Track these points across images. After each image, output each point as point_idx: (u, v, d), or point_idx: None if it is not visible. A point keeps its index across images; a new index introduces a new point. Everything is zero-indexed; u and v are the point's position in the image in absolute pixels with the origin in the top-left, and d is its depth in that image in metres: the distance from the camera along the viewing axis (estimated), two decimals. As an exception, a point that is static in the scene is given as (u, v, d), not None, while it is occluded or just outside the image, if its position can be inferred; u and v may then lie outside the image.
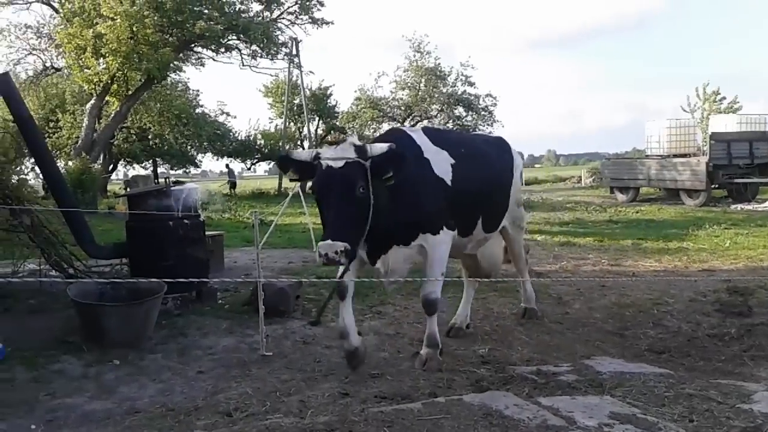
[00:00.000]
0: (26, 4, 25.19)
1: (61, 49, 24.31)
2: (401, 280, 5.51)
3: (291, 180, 5.09)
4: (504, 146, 6.59)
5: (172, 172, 37.21)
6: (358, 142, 4.70)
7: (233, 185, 35.61)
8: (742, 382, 4.58)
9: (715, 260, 11.07)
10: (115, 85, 23.36)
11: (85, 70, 22.71)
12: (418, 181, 5.05)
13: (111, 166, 33.93)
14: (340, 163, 4.53)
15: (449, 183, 5.28)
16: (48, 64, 27.52)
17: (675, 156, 23.96)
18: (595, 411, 3.70)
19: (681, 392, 4.09)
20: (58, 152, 28.12)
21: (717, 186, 22.58)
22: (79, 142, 24.45)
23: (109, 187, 30.74)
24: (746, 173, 22.14)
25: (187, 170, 38.74)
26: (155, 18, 21.22)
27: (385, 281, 5.36)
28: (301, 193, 12.48)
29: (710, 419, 3.62)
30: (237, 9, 24.03)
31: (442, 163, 5.29)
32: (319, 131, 36.49)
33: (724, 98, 40.80)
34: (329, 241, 4.28)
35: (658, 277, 9.39)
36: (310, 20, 25.68)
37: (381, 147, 4.65)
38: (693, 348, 6.12)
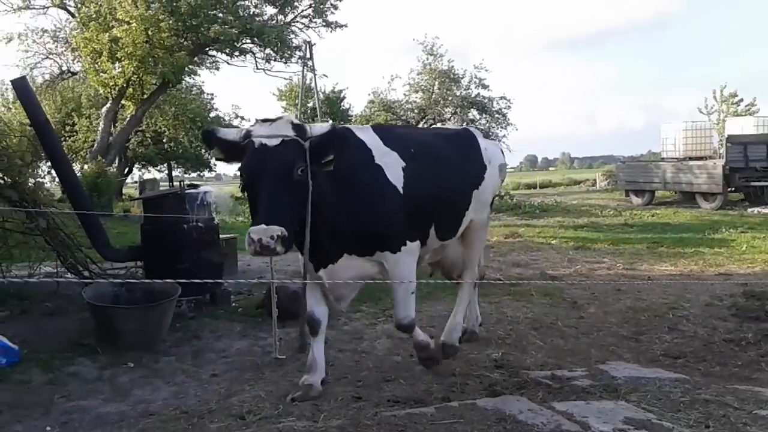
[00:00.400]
0: (43, 8, 25.39)
1: (77, 53, 24.50)
2: (352, 298, 5.14)
3: (217, 160, 4.53)
4: (468, 140, 5.73)
5: (186, 175, 37.44)
6: (295, 120, 4.16)
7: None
8: (759, 388, 4.52)
9: (732, 264, 10.97)
10: (130, 89, 23.51)
11: (101, 74, 22.88)
12: (372, 191, 4.58)
13: (126, 170, 34.18)
14: (276, 141, 3.96)
15: (401, 190, 4.70)
16: (64, 68, 27.72)
17: (691, 159, 23.79)
18: (609, 416, 3.67)
19: (697, 398, 4.05)
20: (74, 156, 28.39)
21: (733, 189, 22.37)
22: (95, 145, 24.64)
23: (124, 191, 30.96)
24: (763, 176, 21.91)
25: (202, 173, 38.94)
26: (170, 22, 21.33)
27: (332, 299, 4.80)
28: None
29: (727, 425, 3.58)
30: (251, 13, 24.11)
31: (393, 167, 4.73)
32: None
33: (742, 100, 40.52)
34: (263, 226, 3.72)
35: (673, 281, 9.31)
36: (323, 24, 25.70)
37: (321, 127, 4.15)
38: (709, 353, 6.05)
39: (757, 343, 6.17)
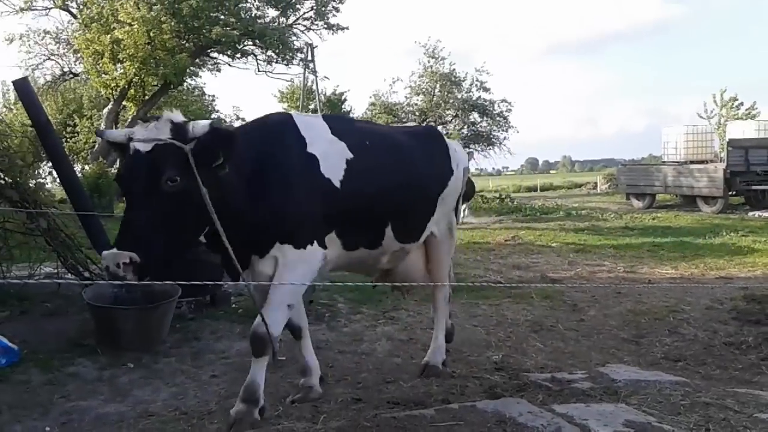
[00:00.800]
0: (45, 10, 25.44)
1: (79, 55, 24.56)
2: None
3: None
4: (434, 137, 5.30)
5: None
6: (178, 119, 3.61)
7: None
8: (759, 391, 4.52)
9: (732, 268, 10.97)
10: (132, 90, 23.55)
11: (103, 76, 22.93)
12: (289, 181, 4.02)
13: (127, 171, 34.13)
14: (149, 146, 3.47)
15: (337, 184, 4.17)
16: (66, 70, 27.78)
17: (692, 162, 23.84)
18: (609, 419, 3.66)
19: (697, 401, 4.05)
20: (75, 157, 28.44)
21: (734, 193, 22.41)
22: (96, 146, 24.66)
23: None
24: (764, 180, 21.90)
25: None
26: (172, 24, 21.36)
27: (258, 303, 4.15)
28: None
29: (727, 428, 3.57)
30: (253, 15, 24.15)
31: (332, 158, 4.21)
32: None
33: (742, 104, 40.53)
34: (114, 250, 3.33)
35: (674, 285, 9.31)
36: (325, 26, 25.74)
37: (203, 125, 3.60)
38: (709, 356, 6.06)
39: (758, 347, 6.17)
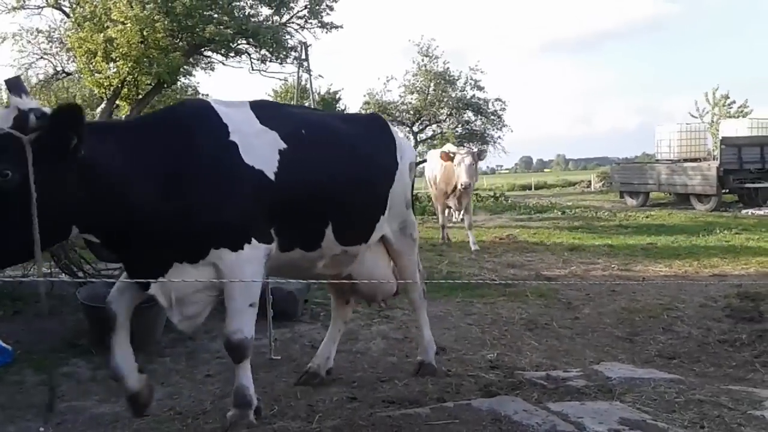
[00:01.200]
0: (38, 9, 25.30)
1: (71, 54, 24.42)
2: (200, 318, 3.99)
3: None
4: (378, 125, 4.93)
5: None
6: (25, 105, 3.29)
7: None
8: (753, 388, 4.54)
9: (726, 265, 11.00)
10: (125, 89, 23.45)
11: (96, 75, 22.81)
12: (208, 171, 3.67)
13: (121, 170, 34.01)
14: None
15: (271, 176, 3.83)
16: (59, 69, 27.58)
17: (685, 160, 23.90)
18: (604, 416, 3.67)
19: (691, 398, 4.06)
20: (68, 156, 28.23)
21: (728, 191, 22.45)
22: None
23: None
24: (757, 178, 21.99)
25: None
26: (166, 22, 21.28)
27: (174, 316, 3.88)
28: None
29: (721, 425, 3.59)
30: (246, 13, 24.05)
31: (262, 149, 3.86)
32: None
33: (734, 102, 40.69)
34: None
35: (668, 282, 9.33)
36: (319, 24, 25.67)
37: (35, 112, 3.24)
38: (703, 353, 6.07)
39: (751, 344, 6.19)
